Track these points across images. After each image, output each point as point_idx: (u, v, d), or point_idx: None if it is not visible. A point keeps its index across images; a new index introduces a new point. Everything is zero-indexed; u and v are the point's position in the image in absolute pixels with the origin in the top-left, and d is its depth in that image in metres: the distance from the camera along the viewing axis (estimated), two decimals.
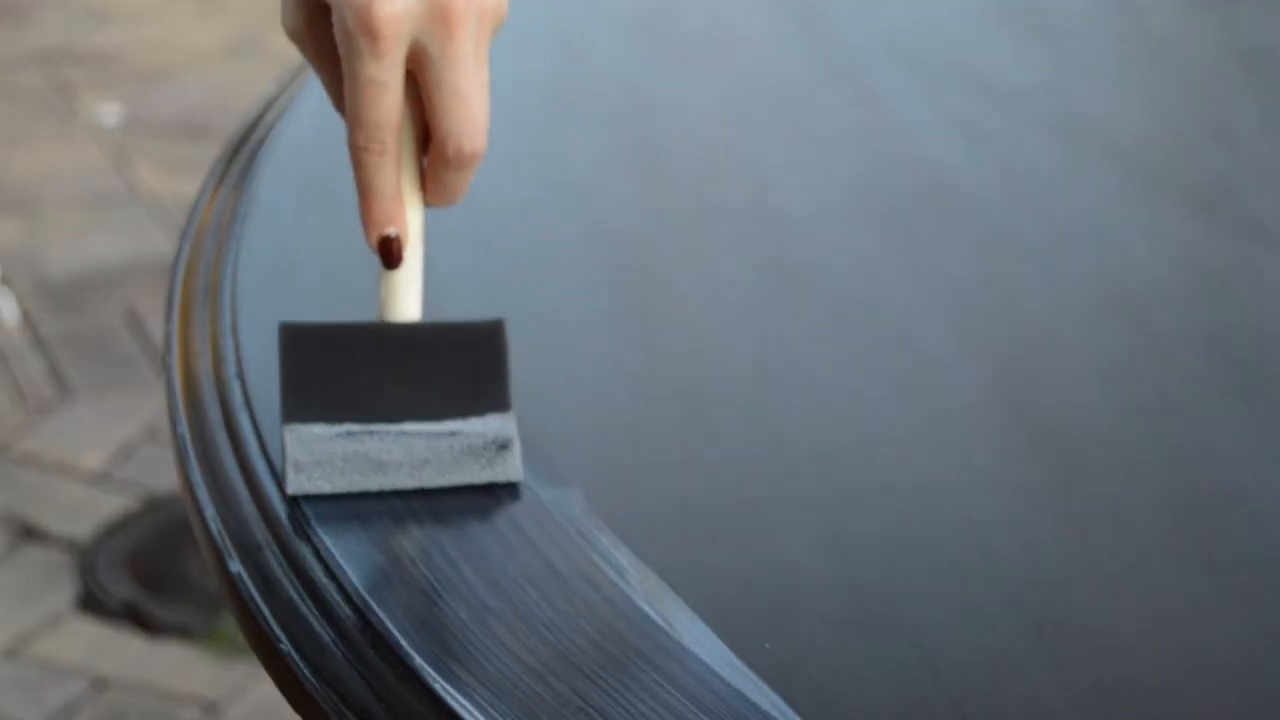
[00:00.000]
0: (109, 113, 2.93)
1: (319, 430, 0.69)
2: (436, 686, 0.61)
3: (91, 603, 1.92)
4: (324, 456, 0.69)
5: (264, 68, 3.02)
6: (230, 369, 0.75)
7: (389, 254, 0.70)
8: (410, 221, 0.71)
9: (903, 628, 0.64)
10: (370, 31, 0.66)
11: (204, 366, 0.76)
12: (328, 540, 0.67)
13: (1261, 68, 1.11)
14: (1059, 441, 0.75)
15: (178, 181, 2.69)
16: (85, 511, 2.04)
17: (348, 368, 0.71)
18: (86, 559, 1.98)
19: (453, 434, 0.70)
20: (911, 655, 0.63)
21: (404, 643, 0.62)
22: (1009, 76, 1.06)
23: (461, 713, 0.60)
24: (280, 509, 0.68)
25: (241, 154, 0.92)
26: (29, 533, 2.01)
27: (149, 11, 3.31)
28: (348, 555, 0.66)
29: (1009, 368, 0.80)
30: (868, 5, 1.15)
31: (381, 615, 0.63)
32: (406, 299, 0.71)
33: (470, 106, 0.68)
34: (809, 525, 0.70)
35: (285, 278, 0.83)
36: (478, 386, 0.71)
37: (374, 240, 0.70)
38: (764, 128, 1.00)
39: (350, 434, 0.69)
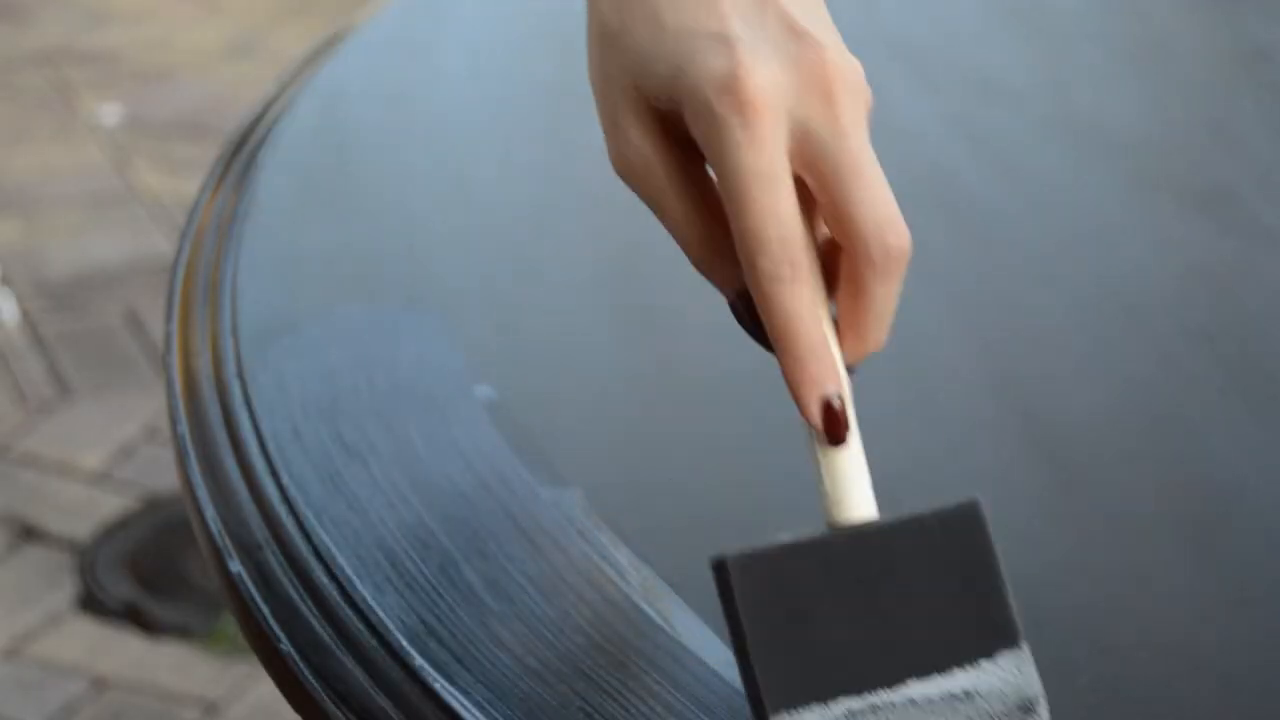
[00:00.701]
0: (109, 113, 2.93)
1: (814, 716, 0.54)
2: (437, 686, 0.61)
3: (91, 603, 1.92)
4: None
5: (264, 68, 3.03)
6: (230, 369, 0.75)
7: (835, 425, 0.55)
8: (844, 373, 0.55)
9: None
10: (744, 107, 0.53)
11: (204, 366, 0.76)
12: (328, 540, 0.67)
13: (1261, 68, 1.11)
14: (1059, 441, 0.75)
15: (178, 181, 2.69)
16: (85, 511, 2.04)
17: (817, 606, 0.54)
18: (86, 559, 1.98)
19: (968, 695, 0.55)
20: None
21: (404, 643, 0.62)
22: (1009, 76, 1.06)
23: (462, 712, 0.60)
24: (280, 509, 0.68)
25: (241, 154, 0.92)
26: (29, 533, 2.01)
27: (149, 11, 3.31)
28: (348, 555, 0.66)
29: (1009, 367, 0.80)
30: (868, 5, 1.15)
31: (381, 615, 0.63)
32: (860, 488, 0.56)
33: (880, 188, 0.54)
34: (808, 525, 0.69)
35: (285, 278, 0.83)
36: (976, 608, 0.56)
37: (816, 407, 0.55)
38: None
39: (851, 714, 0.54)
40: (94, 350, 2.32)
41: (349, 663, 0.63)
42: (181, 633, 1.89)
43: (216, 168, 0.92)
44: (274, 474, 0.70)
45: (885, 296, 0.55)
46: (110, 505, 2.05)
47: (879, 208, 0.54)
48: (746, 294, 0.56)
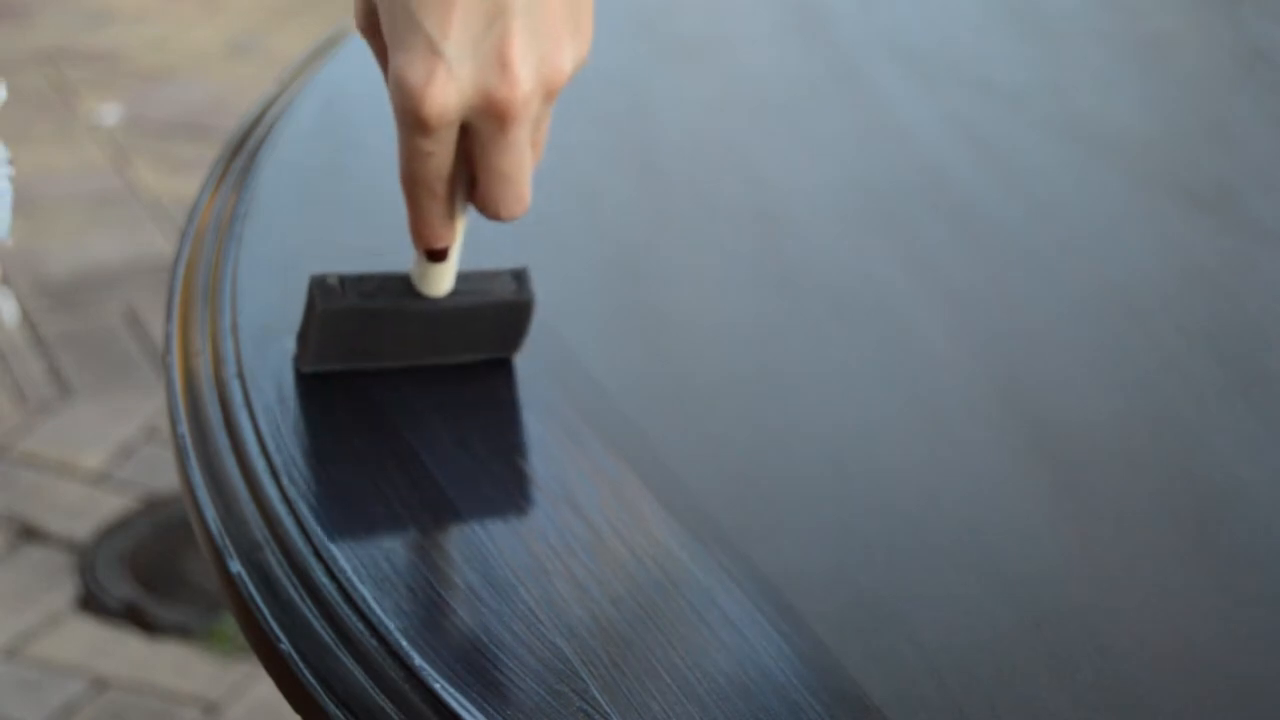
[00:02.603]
0: (109, 113, 2.93)
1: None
2: (436, 686, 0.61)
3: (91, 603, 1.92)
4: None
5: (264, 68, 3.03)
6: (230, 369, 0.75)
7: (435, 256, 0.72)
8: (456, 233, 0.72)
9: (903, 628, 0.64)
10: (417, 122, 0.66)
11: (204, 366, 0.76)
12: (328, 540, 0.67)
13: (1261, 68, 1.11)
14: (1059, 441, 0.75)
15: (178, 181, 2.69)
16: (85, 511, 2.04)
17: (375, 334, 0.74)
18: (86, 559, 1.98)
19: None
20: (911, 655, 0.63)
21: (404, 642, 0.62)
22: (1009, 76, 1.06)
23: (461, 713, 0.60)
24: (280, 509, 0.68)
25: (241, 154, 0.92)
26: (29, 533, 2.01)
27: (149, 11, 3.31)
28: (348, 555, 0.66)
29: (1009, 367, 0.80)
30: (868, 5, 1.15)
31: (381, 615, 0.63)
32: (443, 282, 0.74)
33: (514, 186, 0.70)
34: (808, 525, 0.70)
35: (285, 278, 0.83)
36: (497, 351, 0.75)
37: (421, 249, 0.72)
38: (764, 128, 1.00)
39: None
40: (94, 350, 2.32)
41: (349, 663, 0.63)
42: (181, 633, 1.89)
43: (216, 168, 0.92)
44: (274, 474, 0.70)
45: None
46: (110, 505, 2.05)
47: (502, 194, 0.69)
48: None
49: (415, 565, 0.66)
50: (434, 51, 0.65)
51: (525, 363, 0.76)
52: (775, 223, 0.91)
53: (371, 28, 0.69)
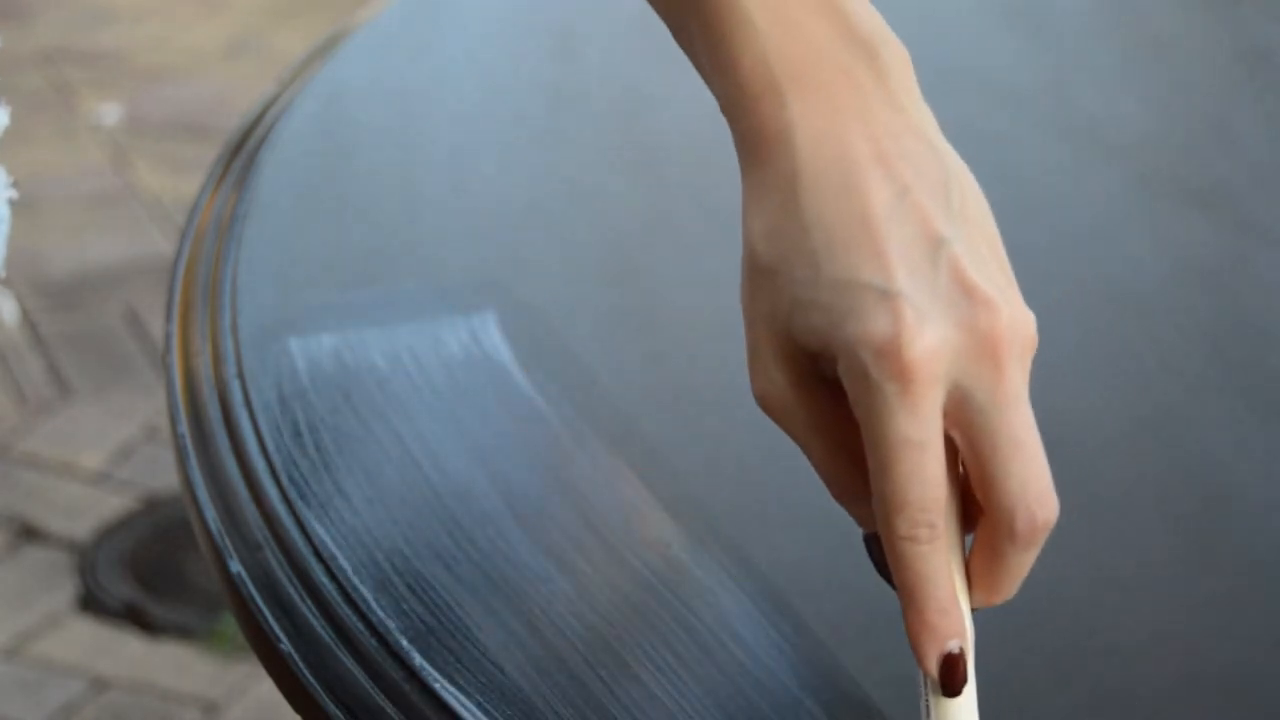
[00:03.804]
0: (109, 113, 2.93)
1: None
2: (437, 686, 0.61)
3: (91, 603, 1.92)
4: None
5: (264, 68, 3.03)
6: (230, 369, 0.75)
7: (953, 677, 0.54)
8: (968, 629, 0.55)
9: (903, 628, 0.64)
10: (903, 375, 0.51)
11: (204, 366, 0.76)
12: (328, 540, 0.66)
13: (1261, 68, 1.11)
14: (1058, 441, 0.75)
15: (178, 181, 2.69)
16: (85, 511, 2.04)
17: None
18: (86, 559, 1.98)
19: None
20: (911, 655, 0.63)
21: (404, 642, 0.62)
22: (1009, 76, 1.06)
23: (462, 712, 0.60)
24: (280, 509, 0.68)
25: (241, 154, 0.92)
26: (29, 533, 2.01)
27: (149, 11, 3.31)
28: (348, 555, 0.66)
29: None
30: None
31: (381, 615, 0.63)
32: None
33: (1036, 461, 0.53)
34: (807, 526, 0.69)
35: (285, 278, 0.83)
36: None
37: (933, 658, 0.54)
38: None
39: None
40: (94, 350, 2.32)
41: (349, 663, 0.63)
42: (181, 633, 1.89)
43: (216, 168, 0.92)
44: (274, 474, 0.70)
45: (1018, 564, 0.54)
46: (110, 505, 2.05)
47: (1031, 484, 0.53)
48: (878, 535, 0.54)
49: (415, 565, 0.66)
50: (887, 297, 0.52)
51: (525, 362, 0.76)
52: None
53: (795, 386, 0.54)
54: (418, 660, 0.62)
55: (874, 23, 0.56)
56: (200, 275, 0.82)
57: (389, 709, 0.61)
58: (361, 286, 0.82)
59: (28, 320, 2.38)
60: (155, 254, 2.51)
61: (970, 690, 0.54)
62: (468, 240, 0.83)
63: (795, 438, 0.55)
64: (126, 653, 1.86)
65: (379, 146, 0.95)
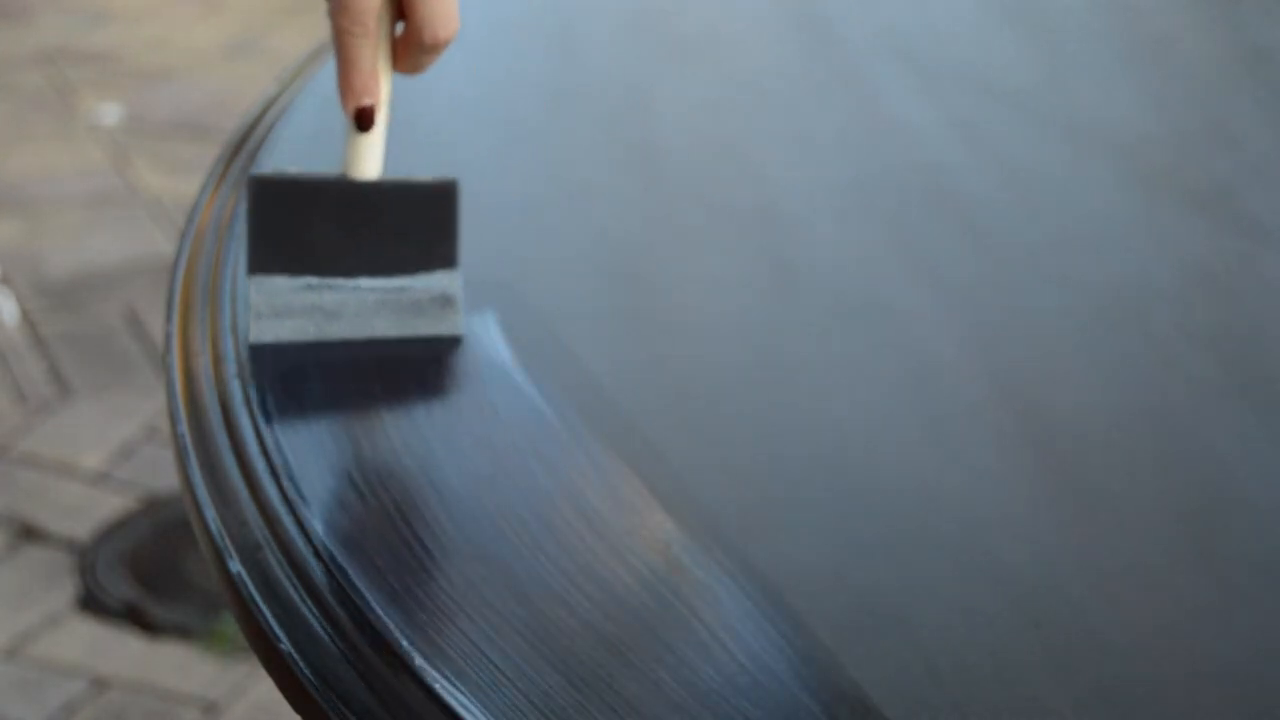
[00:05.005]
0: (109, 113, 2.93)
1: (282, 283, 0.77)
2: (436, 686, 0.61)
3: (91, 603, 1.92)
4: (284, 308, 0.76)
5: (264, 68, 3.03)
6: (230, 369, 0.75)
7: (363, 119, 0.76)
8: (381, 91, 0.76)
9: (903, 628, 0.64)
10: None
11: (204, 366, 0.76)
12: (328, 540, 0.67)
13: (1261, 68, 1.11)
14: (1059, 442, 0.75)
15: (178, 181, 2.69)
16: (85, 511, 2.04)
17: (312, 221, 0.77)
18: (86, 559, 1.98)
19: (401, 289, 0.77)
20: (911, 655, 0.63)
21: (404, 643, 0.62)
22: (1009, 76, 1.06)
23: (462, 712, 0.60)
24: (280, 509, 0.68)
25: (241, 154, 0.92)
26: (29, 533, 2.01)
27: (149, 11, 3.31)
28: (348, 555, 0.66)
29: (1009, 367, 0.80)
30: (868, 5, 1.15)
31: (381, 615, 0.63)
32: (371, 159, 0.77)
33: (444, 3, 0.74)
34: (809, 526, 0.70)
35: None
36: (429, 244, 0.78)
37: (350, 108, 0.76)
38: (764, 128, 1.00)
39: (310, 287, 0.77)
40: (94, 350, 2.32)
41: (349, 663, 0.63)
42: (181, 633, 1.89)
43: (216, 168, 0.92)
44: (274, 474, 0.70)
45: (425, 61, 0.77)
46: (110, 505, 2.05)
47: (435, 10, 0.74)
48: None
49: (415, 566, 0.66)
50: None
51: (525, 362, 0.76)
52: (775, 222, 0.91)
53: None
54: (418, 660, 0.62)
55: None
56: (200, 275, 0.83)
57: (388, 709, 0.61)
58: None
59: (28, 320, 2.38)
60: (155, 254, 2.51)
61: (378, 137, 0.76)
62: (468, 240, 0.83)
63: None
64: (126, 653, 1.86)
65: None
